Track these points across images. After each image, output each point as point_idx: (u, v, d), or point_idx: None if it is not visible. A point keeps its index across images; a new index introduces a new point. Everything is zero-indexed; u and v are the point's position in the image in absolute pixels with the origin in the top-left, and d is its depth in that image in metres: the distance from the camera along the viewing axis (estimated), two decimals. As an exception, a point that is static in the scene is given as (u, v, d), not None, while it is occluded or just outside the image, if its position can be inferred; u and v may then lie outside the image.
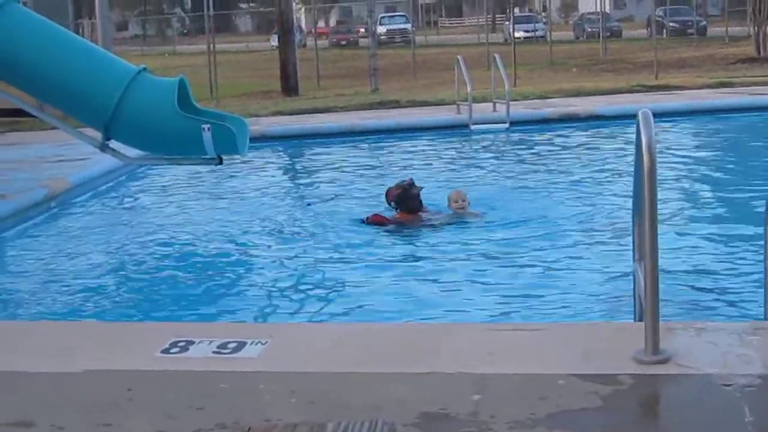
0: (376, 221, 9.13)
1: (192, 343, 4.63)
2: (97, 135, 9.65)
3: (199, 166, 10.99)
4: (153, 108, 9.12)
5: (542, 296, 6.87)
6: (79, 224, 10.20)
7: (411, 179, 9.49)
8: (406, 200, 9.23)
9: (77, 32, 22.15)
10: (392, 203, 9.47)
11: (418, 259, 8.07)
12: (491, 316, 6.38)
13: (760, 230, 5.11)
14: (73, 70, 9.22)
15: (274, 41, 34.43)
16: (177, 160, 10.29)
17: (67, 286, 7.72)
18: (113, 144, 9.77)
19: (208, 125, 9.07)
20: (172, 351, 4.56)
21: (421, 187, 9.33)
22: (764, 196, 5.05)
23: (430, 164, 13.80)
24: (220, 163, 9.54)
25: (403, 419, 3.62)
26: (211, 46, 24.56)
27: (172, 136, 9.20)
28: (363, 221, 9.21)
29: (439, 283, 7.36)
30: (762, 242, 4.98)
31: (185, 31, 68.91)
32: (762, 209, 5.07)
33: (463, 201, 9.24)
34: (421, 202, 9.29)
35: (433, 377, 4.10)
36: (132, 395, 4.10)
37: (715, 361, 4.12)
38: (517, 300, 6.83)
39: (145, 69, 9.47)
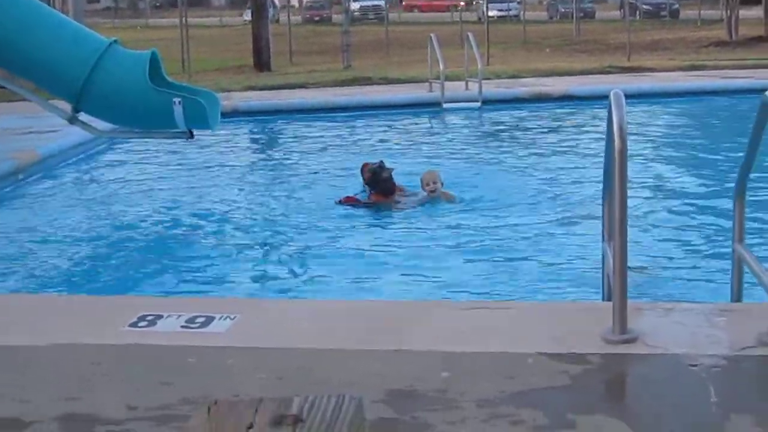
0: (348, 202, 9.08)
1: (160, 317, 4.62)
2: (67, 107, 9.57)
3: (170, 141, 10.93)
4: (124, 81, 9.05)
5: (513, 276, 6.89)
6: (48, 197, 10.13)
7: (381, 162, 9.37)
8: (377, 183, 9.15)
9: (48, 3, 21.96)
10: (365, 185, 9.41)
11: (390, 239, 8.05)
12: (462, 294, 6.39)
13: (729, 212, 5.13)
14: (44, 42, 9.13)
15: (247, 16, 34.29)
16: (147, 134, 10.23)
17: (35, 259, 7.67)
18: (83, 117, 9.70)
19: (180, 99, 9.02)
20: (140, 325, 4.54)
21: (392, 169, 9.22)
22: (733, 178, 5.08)
23: (403, 142, 13.79)
24: (191, 137, 9.49)
25: (372, 396, 3.62)
26: (184, 20, 24.39)
27: (143, 110, 9.14)
28: (336, 202, 9.14)
29: (409, 263, 7.35)
30: (730, 224, 5.01)
31: (158, 4, 68.45)
32: (731, 192, 5.09)
33: (435, 183, 9.12)
34: (393, 184, 9.19)
35: (402, 355, 4.11)
36: (99, 369, 4.08)
37: (683, 342, 4.14)
38: (489, 279, 6.84)
39: (116, 41, 9.39)
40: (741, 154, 4.84)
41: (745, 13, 33.96)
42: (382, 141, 13.95)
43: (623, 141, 4.07)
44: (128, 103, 9.16)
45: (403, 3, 44.67)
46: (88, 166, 12.29)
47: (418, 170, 9.94)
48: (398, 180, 9.30)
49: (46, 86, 9.80)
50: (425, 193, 9.11)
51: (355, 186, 9.82)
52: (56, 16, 10.00)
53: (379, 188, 9.13)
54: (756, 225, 6.46)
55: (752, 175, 4.87)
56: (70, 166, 12.05)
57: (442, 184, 9.18)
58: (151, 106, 9.07)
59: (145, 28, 49.42)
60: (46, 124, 12.47)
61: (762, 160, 4.67)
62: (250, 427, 2.14)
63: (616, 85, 13.49)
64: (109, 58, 9.07)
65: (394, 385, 3.77)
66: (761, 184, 5.53)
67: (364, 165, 9.57)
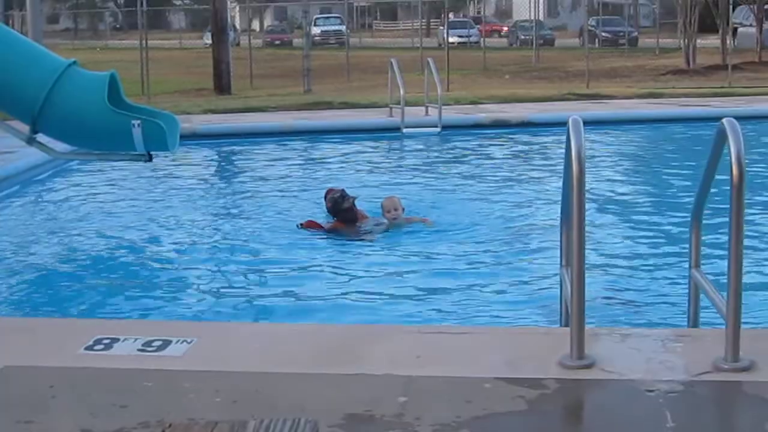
0: (310, 227, 8.99)
1: (117, 340, 4.59)
2: (25, 128, 9.49)
3: (128, 163, 10.87)
4: (82, 102, 8.98)
5: (470, 301, 6.89)
6: (3, 219, 10.03)
7: (342, 190, 9.22)
8: (338, 212, 9.05)
9: (7, 23, 21.83)
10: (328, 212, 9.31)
11: (349, 265, 8.00)
12: (419, 320, 6.38)
13: (686, 238, 5.17)
14: (1, 62, 9.06)
15: (208, 39, 34.22)
16: (106, 156, 10.15)
17: (-10, 281, 7.58)
18: (41, 138, 9.62)
19: (139, 121, 8.97)
20: (96, 348, 4.51)
21: (354, 198, 9.09)
22: (689, 204, 5.12)
23: (362, 166, 13.79)
24: (150, 160, 9.43)
25: (329, 420, 3.61)
26: (144, 42, 24.32)
27: (102, 132, 9.08)
28: (298, 226, 9.05)
29: (368, 287, 7.33)
30: (687, 251, 5.05)
31: (117, 25, 68.25)
32: (687, 217, 5.14)
33: (396, 210, 9.00)
34: (354, 212, 9.05)
35: (359, 378, 4.10)
36: (55, 392, 4.04)
37: (639, 367, 4.16)
38: (446, 304, 6.83)
39: (75, 62, 9.33)
40: (697, 180, 4.88)
41: (702, 41, 34.35)
42: (342, 165, 13.94)
43: (581, 166, 4.10)
44: (87, 125, 9.09)
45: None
46: (45, 187, 12.19)
47: (378, 194, 9.95)
48: (360, 205, 9.25)
49: (3, 107, 9.71)
50: (385, 221, 8.99)
51: (314, 209, 9.81)
52: (14, 36, 9.92)
53: (340, 217, 9.03)
54: (712, 251, 6.50)
55: (708, 203, 4.91)
56: (27, 187, 11.95)
57: (403, 209, 9.09)
58: (110, 128, 9.01)
59: (105, 49, 49.22)
60: (3, 145, 12.36)
61: (718, 187, 4.71)
62: (205, 450, 2.13)
63: (574, 111, 13.59)
64: (68, 80, 9.01)
65: (351, 409, 3.76)
66: (717, 211, 5.59)
67: (328, 191, 9.47)
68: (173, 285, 7.56)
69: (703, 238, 5.02)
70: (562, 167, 4.83)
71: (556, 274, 5.37)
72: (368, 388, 4.00)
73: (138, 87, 22.43)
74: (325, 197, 9.41)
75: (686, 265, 5.07)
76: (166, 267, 8.17)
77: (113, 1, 74.22)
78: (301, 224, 9.05)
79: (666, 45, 41.02)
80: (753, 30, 36.43)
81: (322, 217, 9.35)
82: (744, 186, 4.02)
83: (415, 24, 47.76)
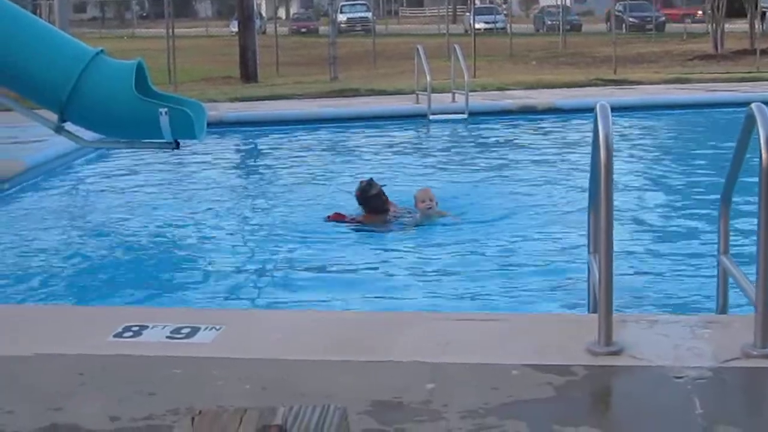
0: (336, 219, 8.86)
1: (145, 327, 4.61)
2: (53, 117, 9.55)
3: (156, 151, 10.91)
4: (110, 91, 9.03)
5: (498, 288, 6.88)
6: (33, 207, 10.10)
7: (370, 179, 9.01)
8: (367, 201, 8.83)
9: (34, 13, 21.93)
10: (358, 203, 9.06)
11: (378, 254, 7.97)
12: (446, 308, 6.38)
13: (714, 225, 5.15)
14: (30, 51, 9.11)
15: (234, 27, 34.30)
16: (133, 144, 10.21)
17: (20, 269, 7.63)
18: (69, 126, 9.67)
19: (166, 109, 9.00)
20: (125, 335, 4.53)
21: (382, 185, 8.91)
22: (718, 190, 5.09)
23: (389, 153, 13.79)
24: (177, 147, 9.47)
25: (357, 407, 3.62)
26: (170, 30, 24.36)
27: (129, 120, 9.13)
28: (325, 219, 8.91)
29: (394, 275, 7.33)
30: (715, 237, 5.02)
31: (144, 14, 68.46)
32: (716, 203, 5.11)
33: (431, 200, 8.78)
34: (383, 201, 8.85)
35: (387, 366, 4.11)
36: (84, 379, 4.07)
37: (667, 354, 4.15)
38: (473, 292, 6.83)
39: (102, 51, 9.37)
40: (726, 166, 4.85)
41: (730, 26, 34.11)
42: (368, 152, 13.94)
43: (609, 152, 4.09)
44: (114, 113, 9.14)
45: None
46: (74, 176, 12.25)
47: (405, 181, 9.94)
48: (390, 194, 9.14)
49: (31, 96, 9.77)
50: (418, 212, 8.81)
51: (341, 197, 9.82)
52: (42, 25, 9.99)
53: (369, 206, 8.83)
54: (741, 237, 6.46)
55: (737, 188, 4.88)
56: (56, 176, 12.01)
57: (437, 202, 8.86)
58: (137, 116, 9.05)
59: (131, 38, 49.37)
60: (32, 134, 12.44)
61: (746, 173, 4.68)
62: (235, 437, 2.14)
63: (602, 97, 13.53)
64: (95, 68, 9.05)
65: (379, 396, 3.77)
66: (746, 197, 5.56)
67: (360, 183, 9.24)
68: (201, 273, 7.59)
69: (732, 223, 4.99)
70: (589, 153, 4.80)
71: (584, 261, 5.35)
72: (395, 376, 4.00)
73: (164, 75, 22.47)
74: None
75: (715, 251, 5.04)
76: (193, 255, 8.20)
77: (140, -10, 74.39)
78: (328, 217, 8.93)
79: (693, 30, 40.80)
80: (782, 14, 36.16)
81: (350, 207, 9.32)
82: (773, 171, 3.98)
83: (441, 10, 47.70)
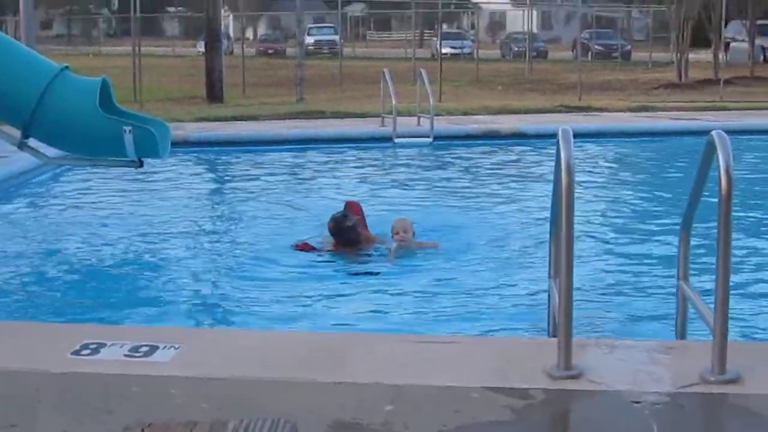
0: (304, 250, 8.63)
1: (103, 345, 4.58)
2: (16, 133, 9.47)
3: (119, 170, 10.85)
4: (74, 107, 8.96)
5: (459, 311, 6.89)
6: (-6, 223, 10.02)
7: (345, 211, 8.78)
8: (340, 233, 8.57)
9: (0, 29, 21.82)
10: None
11: (338, 277, 7.97)
12: (407, 329, 6.37)
13: (674, 251, 5.18)
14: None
15: (201, 47, 34.23)
16: (97, 162, 10.13)
17: (-22, 285, 7.57)
18: (32, 142, 9.60)
19: (130, 127, 8.95)
20: (82, 353, 4.50)
21: (356, 218, 8.67)
22: (678, 216, 5.13)
23: (354, 176, 13.80)
24: (141, 166, 9.40)
25: (315, 428, 3.60)
26: (137, 48, 24.31)
27: (93, 137, 9.06)
28: (292, 247, 8.68)
29: (356, 297, 7.32)
30: (675, 262, 5.06)
31: (111, 32, 68.22)
32: (676, 230, 5.15)
33: (405, 232, 8.46)
34: (356, 234, 8.60)
35: (346, 386, 4.09)
36: (40, 396, 4.04)
37: (626, 378, 4.17)
38: (434, 315, 6.83)
39: (67, 67, 9.32)
40: (687, 193, 4.89)
41: (695, 56, 34.45)
42: (333, 174, 13.96)
43: (570, 176, 4.11)
44: (78, 130, 9.07)
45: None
46: (36, 192, 12.17)
47: (370, 203, 9.92)
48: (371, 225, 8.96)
49: (-6, 111, 9.69)
50: (394, 244, 8.47)
51: (302, 218, 9.81)
52: (6, 40, 9.91)
53: (341, 238, 8.59)
54: (700, 263, 6.51)
55: (696, 214, 4.91)
56: (18, 192, 11.93)
57: (414, 233, 8.57)
58: (101, 134, 8.98)
59: (97, 55, 49.18)
60: (-6, 149, 12.35)
61: (706, 200, 4.71)
62: (185, 448, 2.13)
63: (566, 123, 13.59)
64: (60, 84, 8.99)
65: (337, 417, 3.76)
66: (705, 223, 5.60)
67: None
68: (161, 292, 7.55)
69: (691, 249, 5.02)
70: (552, 178, 4.83)
71: (545, 287, 5.37)
72: (355, 396, 3.99)
73: (130, 94, 22.41)
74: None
75: (674, 278, 5.07)
76: (153, 274, 8.16)
77: (107, 7, 74.14)
78: (297, 245, 8.73)
79: (659, 59, 41.17)
80: (745, 45, 36.60)
81: (314, 228, 9.30)
82: (732, 197, 4.02)
83: (408, 35, 47.85)
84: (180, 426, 2.17)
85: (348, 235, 8.57)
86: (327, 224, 8.69)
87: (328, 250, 8.59)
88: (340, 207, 8.88)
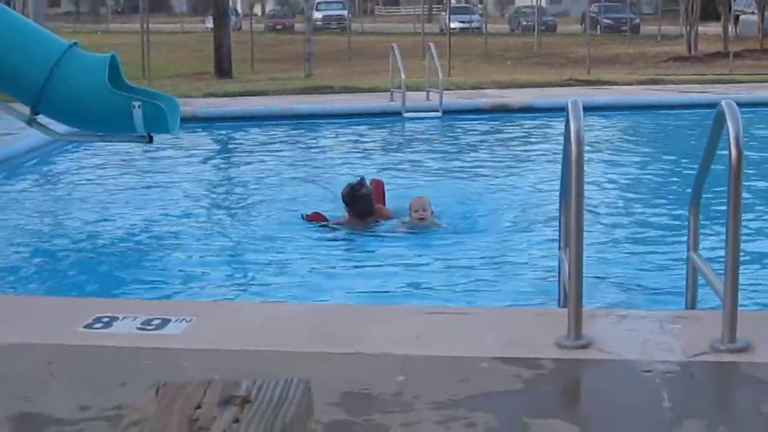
0: (315, 220, 8.54)
1: (116, 319, 4.60)
2: (25, 109, 9.49)
3: (128, 145, 10.88)
4: (83, 83, 8.98)
5: (470, 283, 6.90)
6: (5, 199, 10.05)
7: (362, 178, 8.58)
8: (354, 201, 8.35)
9: (8, 6, 21.78)
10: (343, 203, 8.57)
11: (351, 250, 7.97)
12: (418, 301, 6.39)
13: (684, 222, 5.18)
14: (2, 44, 9.05)
15: (209, 23, 34.20)
16: (106, 138, 10.16)
17: (-9, 260, 7.60)
18: (41, 119, 9.62)
19: (139, 103, 8.96)
20: (95, 326, 4.52)
21: (386, 187, 8.51)
22: (688, 187, 5.13)
23: (363, 150, 13.81)
24: (150, 141, 9.42)
25: (326, 398, 3.62)
26: (145, 25, 24.29)
27: (102, 113, 9.07)
28: (302, 217, 8.64)
29: (367, 270, 7.34)
30: (685, 233, 5.06)
31: (119, 9, 68.12)
32: (686, 201, 5.15)
33: (424, 210, 8.24)
34: (371, 204, 8.44)
35: (357, 357, 4.11)
36: (53, 369, 4.06)
37: (636, 348, 4.18)
38: (446, 287, 6.84)
39: (76, 44, 9.32)
40: (696, 165, 4.88)
41: (704, 29, 34.30)
42: (342, 149, 13.96)
43: (580, 148, 4.11)
44: (87, 106, 9.09)
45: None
46: (46, 169, 12.21)
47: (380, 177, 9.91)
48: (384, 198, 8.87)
49: (3, 88, 9.70)
50: (408, 219, 8.33)
51: (312, 192, 9.81)
52: (15, 17, 9.91)
53: (356, 207, 8.36)
54: (710, 233, 6.51)
55: (707, 185, 4.91)
56: (28, 168, 11.96)
57: (432, 212, 8.36)
58: (111, 110, 9.00)
59: (106, 33, 49.13)
60: (4, 126, 12.36)
61: (716, 171, 4.71)
62: (199, 407, 2.15)
63: (575, 97, 13.56)
64: (69, 61, 9.00)
65: (349, 387, 3.77)
66: (715, 194, 5.61)
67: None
68: (173, 265, 7.57)
69: (702, 220, 5.03)
70: (561, 151, 4.83)
71: (555, 259, 5.38)
72: (366, 367, 4.01)
73: (138, 71, 22.40)
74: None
75: (684, 248, 5.07)
76: (164, 248, 8.18)
77: (115, -15, 73.95)
78: (307, 215, 8.66)
79: (668, 32, 40.98)
80: (755, 17, 36.40)
81: (325, 203, 9.30)
82: (742, 167, 4.02)
83: (417, 9, 47.70)
84: (194, 384, 2.19)
85: (362, 204, 8.38)
86: (341, 192, 8.54)
87: (339, 223, 8.49)
88: (348, 181, 8.83)
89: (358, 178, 8.59)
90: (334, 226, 8.45)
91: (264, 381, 2.17)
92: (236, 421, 2.15)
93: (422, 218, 8.25)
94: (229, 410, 2.18)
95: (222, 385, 2.19)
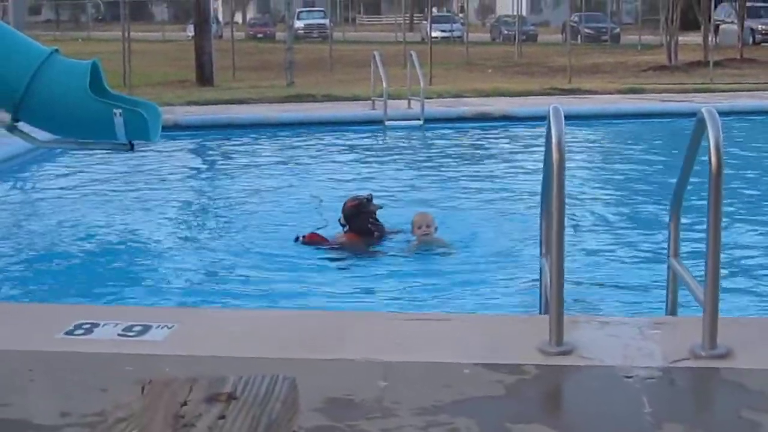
0: (312, 241, 7.92)
1: (97, 325, 4.59)
2: (6, 117, 9.46)
3: (110, 153, 10.85)
4: (64, 90, 8.96)
5: (452, 290, 6.91)
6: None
7: (370, 194, 8.12)
8: (358, 217, 7.91)
9: (-12, 13, 21.75)
10: (343, 218, 8.05)
11: (333, 260, 7.93)
12: (400, 307, 6.39)
13: (664, 229, 5.21)
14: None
15: (191, 31, 34.15)
16: (88, 145, 10.13)
17: (-30, 268, 7.57)
18: (22, 126, 9.59)
19: (120, 110, 8.95)
20: (76, 333, 4.51)
21: (380, 206, 8.08)
22: (668, 195, 5.16)
23: (345, 159, 13.82)
24: (132, 149, 9.42)
25: (309, 404, 3.61)
26: (126, 33, 24.24)
27: (83, 120, 9.06)
28: (297, 240, 7.97)
29: (349, 276, 7.34)
30: (665, 241, 5.08)
31: (100, 17, 67.98)
32: (666, 208, 5.17)
33: (428, 227, 7.86)
34: (372, 220, 7.99)
35: (340, 363, 4.12)
36: (33, 376, 4.04)
37: (617, 354, 4.19)
38: (427, 293, 6.85)
39: (57, 51, 9.31)
40: (677, 172, 4.91)
41: (684, 38, 34.45)
42: (324, 157, 13.96)
43: (561, 153, 4.13)
44: (68, 113, 9.07)
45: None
46: (26, 176, 12.16)
47: (362, 186, 9.92)
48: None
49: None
50: (414, 239, 7.93)
51: (290, 201, 9.82)
52: (-4, 24, 9.89)
53: (357, 225, 7.91)
54: (690, 240, 6.54)
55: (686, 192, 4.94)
56: (7, 176, 11.91)
57: (436, 228, 7.97)
58: (92, 117, 8.99)
59: (87, 40, 49.00)
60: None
61: (696, 178, 4.74)
62: (185, 404, 2.15)
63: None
64: (50, 67, 8.98)
65: (331, 394, 3.77)
66: (695, 201, 5.66)
67: (345, 203, 8.18)
68: (154, 272, 7.56)
69: (681, 227, 5.05)
70: (542, 160, 4.85)
71: (536, 267, 5.39)
72: (348, 373, 4.01)
73: (120, 78, 22.34)
74: (344, 205, 8.13)
75: (665, 255, 5.10)
76: (146, 255, 8.17)
77: (95, -7, 73.81)
78: (302, 238, 7.99)
79: (648, 41, 41.14)
80: (735, 27, 36.59)
81: (303, 211, 9.30)
82: (722, 173, 4.04)
83: (398, 18, 47.79)
84: (180, 381, 2.19)
85: (362, 219, 7.90)
86: (345, 205, 8.05)
87: (339, 243, 7.96)
88: (331, 189, 8.84)
89: (368, 194, 8.15)
90: (334, 247, 7.96)
91: (250, 377, 2.18)
92: (222, 417, 2.15)
93: (426, 234, 7.90)
94: (215, 406, 2.19)
95: (208, 382, 2.20)
